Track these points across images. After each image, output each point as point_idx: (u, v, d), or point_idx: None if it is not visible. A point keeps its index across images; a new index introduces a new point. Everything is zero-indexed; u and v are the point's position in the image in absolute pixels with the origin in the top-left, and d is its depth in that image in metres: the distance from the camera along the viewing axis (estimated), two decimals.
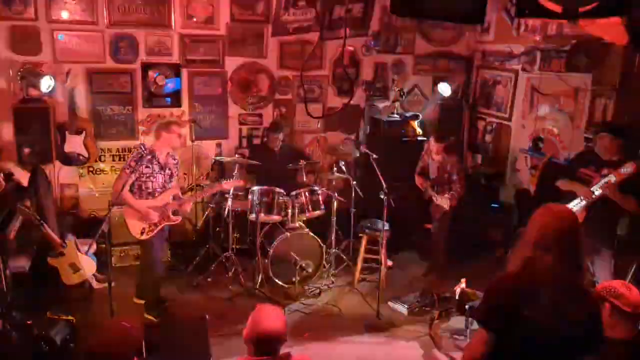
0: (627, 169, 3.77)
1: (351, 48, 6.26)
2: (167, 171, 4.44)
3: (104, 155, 5.69)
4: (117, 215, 5.26)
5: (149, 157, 4.31)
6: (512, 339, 2.04)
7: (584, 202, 4.00)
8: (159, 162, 4.36)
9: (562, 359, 2.10)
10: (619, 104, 4.88)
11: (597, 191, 3.92)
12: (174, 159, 4.55)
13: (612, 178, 3.84)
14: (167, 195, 4.44)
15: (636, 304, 2.47)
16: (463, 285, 4.38)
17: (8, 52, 5.13)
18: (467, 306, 4.17)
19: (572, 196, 4.11)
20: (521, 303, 2.04)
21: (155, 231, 4.38)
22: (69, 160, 5.40)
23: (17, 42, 5.14)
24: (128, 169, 4.25)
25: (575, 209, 3.99)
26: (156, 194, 4.38)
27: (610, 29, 3.57)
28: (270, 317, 2.29)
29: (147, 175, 4.31)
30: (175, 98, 5.78)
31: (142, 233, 4.34)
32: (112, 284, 4.01)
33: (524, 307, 2.03)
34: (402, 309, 4.76)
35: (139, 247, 4.71)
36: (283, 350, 2.32)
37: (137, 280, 4.72)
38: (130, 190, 4.28)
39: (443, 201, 5.01)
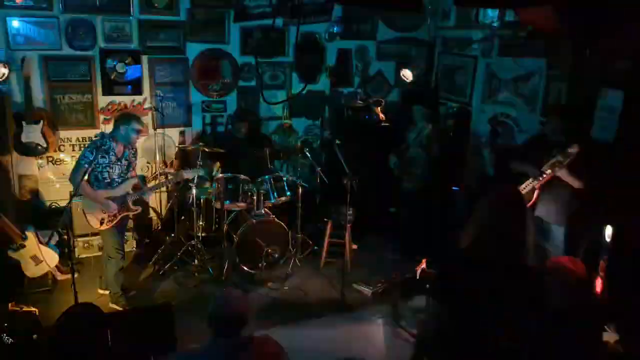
0: (573, 149, 3.95)
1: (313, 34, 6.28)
2: (124, 161, 4.39)
3: (64, 145, 5.58)
4: (79, 206, 5.20)
5: (105, 147, 4.25)
6: (461, 313, 2.16)
7: (535, 182, 4.18)
8: (115, 152, 4.32)
9: (509, 332, 2.23)
10: (572, 87, 5.06)
11: (547, 171, 4.09)
12: (132, 149, 4.50)
13: (559, 159, 4.01)
14: (127, 185, 4.40)
15: (580, 278, 2.64)
16: (424, 265, 4.51)
17: None
18: (427, 285, 4.30)
19: (525, 177, 4.28)
20: (470, 279, 2.15)
21: (115, 221, 4.35)
22: (26, 150, 5.27)
23: None
24: (83, 159, 4.18)
25: (527, 189, 4.17)
26: (114, 184, 4.34)
27: (542, 18, 3.67)
28: (231, 300, 2.34)
29: (104, 165, 4.25)
30: (136, 85, 5.69)
31: (101, 223, 4.31)
32: (76, 275, 3.98)
33: (472, 283, 2.14)
34: (366, 290, 4.88)
35: (102, 237, 4.66)
36: (248, 333, 2.37)
37: (101, 271, 4.69)
38: (88, 181, 4.22)
39: None
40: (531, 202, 4.16)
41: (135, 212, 4.52)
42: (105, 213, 4.28)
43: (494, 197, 2.22)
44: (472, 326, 2.15)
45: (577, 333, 2.51)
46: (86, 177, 4.11)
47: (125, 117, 4.39)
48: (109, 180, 4.31)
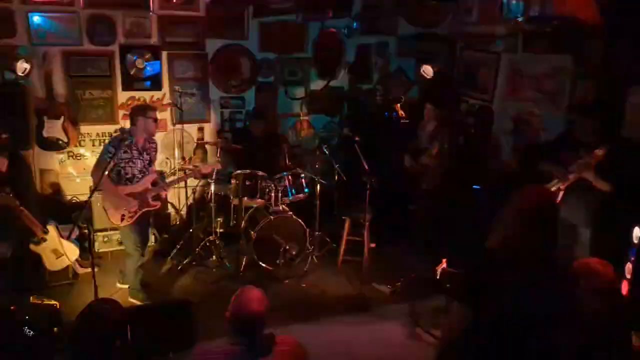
0: (600, 151, 3.84)
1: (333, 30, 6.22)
2: (146, 156, 4.40)
3: (84, 140, 5.61)
4: (99, 201, 5.23)
5: (127, 142, 4.25)
6: (489, 316, 2.10)
7: (561, 183, 4.07)
8: (137, 147, 4.31)
9: (538, 335, 2.16)
10: (599, 86, 4.92)
11: (573, 173, 3.99)
12: (153, 144, 4.50)
13: (587, 160, 3.90)
14: (146, 181, 4.40)
15: (610, 281, 2.55)
16: (444, 265, 4.44)
17: None
18: (447, 285, 4.23)
19: (551, 178, 4.18)
20: (499, 281, 2.09)
21: (135, 217, 4.35)
22: (48, 145, 5.31)
23: None
24: (105, 154, 4.19)
25: (552, 189, 4.07)
26: (135, 180, 4.34)
27: (583, 8, 3.56)
28: (251, 300, 2.31)
29: (126, 160, 4.26)
30: (155, 81, 5.70)
31: (122, 219, 4.31)
32: (96, 269, 3.99)
33: (501, 285, 2.07)
34: (385, 289, 4.83)
35: (120, 233, 4.68)
36: (267, 331, 2.35)
37: (120, 265, 4.71)
38: (110, 177, 4.23)
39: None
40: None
41: (154, 208, 4.52)
42: (125, 209, 4.29)
43: (526, 198, 2.15)
44: (502, 330, 2.09)
45: (608, 337, 2.44)
46: (107, 173, 4.12)
47: (140, 108, 4.42)
48: (130, 176, 4.31)
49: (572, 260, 3.77)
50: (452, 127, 5.51)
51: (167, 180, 5.04)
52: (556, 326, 2.19)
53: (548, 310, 2.11)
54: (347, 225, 5.25)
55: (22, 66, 4.86)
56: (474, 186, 6.10)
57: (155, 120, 4.41)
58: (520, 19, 5.64)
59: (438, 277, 4.41)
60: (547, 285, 2.10)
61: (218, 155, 5.10)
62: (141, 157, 4.35)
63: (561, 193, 4.07)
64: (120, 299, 4.27)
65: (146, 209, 4.43)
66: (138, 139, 4.33)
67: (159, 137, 5.10)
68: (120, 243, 5.19)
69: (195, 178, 5.19)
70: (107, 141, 5.07)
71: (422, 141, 5.45)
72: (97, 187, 4.08)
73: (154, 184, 4.49)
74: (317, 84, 6.32)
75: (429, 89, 6.56)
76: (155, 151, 4.56)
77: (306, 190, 5.23)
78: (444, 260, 4.50)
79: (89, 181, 5.45)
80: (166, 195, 4.62)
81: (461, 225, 5.82)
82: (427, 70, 6.15)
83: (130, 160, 4.28)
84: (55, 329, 3.80)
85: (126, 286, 4.60)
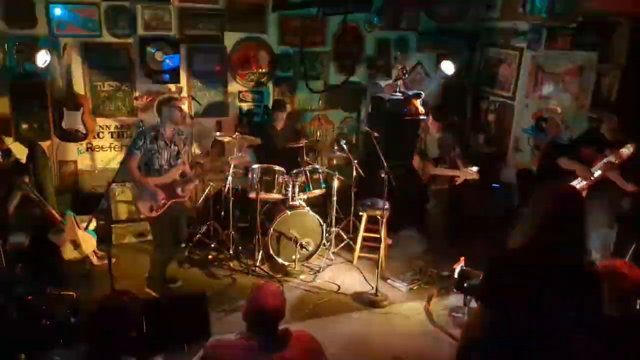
0: (627, 150, 3.73)
1: (353, 24, 6.16)
2: (173, 147, 4.40)
3: (102, 132, 5.64)
4: (117, 192, 5.26)
5: (153, 133, 4.28)
6: (511, 317, 2.04)
7: (584, 183, 3.97)
8: (163, 138, 4.33)
9: (561, 337, 2.10)
10: (624, 83, 4.80)
11: (597, 172, 3.89)
12: (182, 135, 4.51)
13: (611, 159, 3.80)
14: (174, 172, 4.41)
15: (636, 283, 2.47)
16: (462, 263, 4.38)
17: (2, 25, 5.04)
18: (465, 284, 4.17)
19: (574, 176, 4.08)
20: (522, 282, 2.02)
21: (164, 208, 4.36)
22: (67, 136, 5.35)
23: (11, 15, 5.04)
24: (134, 145, 4.25)
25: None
26: (163, 171, 4.35)
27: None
28: (268, 295, 2.28)
29: (153, 151, 4.28)
30: (173, 74, 5.69)
31: (151, 210, 4.33)
32: (113, 261, 4.01)
33: (525, 286, 2.01)
34: (401, 286, 4.77)
35: (149, 225, 4.68)
36: (282, 326, 2.32)
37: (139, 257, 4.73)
38: (139, 168, 4.27)
39: (469, 172, 4.96)
40: None
41: (183, 200, 4.52)
42: (154, 200, 4.30)
43: (550, 197, 2.08)
44: (525, 331, 2.03)
45: (633, 341, 2.36)
46: (137, 164, 4.19)
47: (165, 99, 4.50)
48: (157, 167, 4.33)
49: (595, 262, 3.71)
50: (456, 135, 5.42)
51: (194, 171, 4.99)
52: (581, 329, 2.12)
53: (573, 313, 2.04)
54: (364, 221, 5.20)
55: (42, 57, 4.89)
56: (494, 185, 6.02)
57: (180, 109, 4.43)
58: (544, 15, 5.53)
59: (456, 275, 4.38)
60: (572, 287, 2.03)
61: (236, 149, 5.07)
62: (168, 148, 4.36)
63: (584, 193, 3.97)
64: (137, 288, 4.29)
65: (175, 201, 4.43)
66: (165, 129, 4.34)
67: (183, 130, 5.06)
68: (138, 235, 5.25)
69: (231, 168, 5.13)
70: (126, 133, 5.09)
71: (429, 147, 5.36)
72: (116, 179, 4.09)
73: (182, 174, 4.49)
74: (337, 79, 6.25)
75: (447, 86, 6.50)
76: (184, 143, 4.55)
77: (323, 185, 5.19)
78: (462, 258, 4.45)
79: (107, 173, 5.50)
80: (193, 186, 4.65)
81: (480, 224, 5.75)
82: (447, 66, 6.06)
83: (157, 152, 4.30)
84: (72, 319, 3.82)
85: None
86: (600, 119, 4.33)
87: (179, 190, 4.42)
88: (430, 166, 5.22)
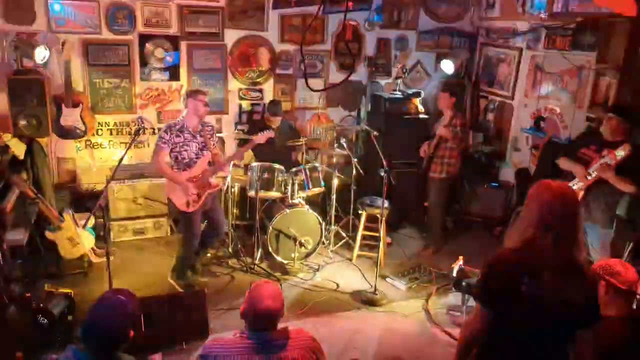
0: (622, 151, 3.73)
1: (354, 22, 6.15)
2: (200, 138, 4.37)
3: (102, 129, 5.62)
4: (116, 189, 5.25)
5: (178, 126, 4.27)
6: (509, 316, 2.04)
7: (581, 183, 3.98)
8: (189, 131, 4.32)
9: (558, 336, 2.10)
10: (623, 83, 4.80)
11: (594, 172, 3.89)
12: (208, 127, 4.49)
13: (607, 160, 3.80)
14: (202, 163, 4.39)
15: (631, 282, 2.48)
16: (461, 262, 4.39)
17: (1, 21, 5.01)
18: (463, 283, 4.18)
19: (571, 176, 4.08)
20: (519, 280, 2.02)
21: (200, 201, 4.35)
22: (65, 133, 5.33)
23: (10, 10, 5.01)
24: (160, 140, 4.24)
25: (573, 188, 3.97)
26: (193, 164, 4.34)
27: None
28: (267, 294, 2.27)
29: (180, 144, 4.27)
30: (173, 71, 5.68)
31: (187, 205, 4.32)
32: (111, 258, 4.00)
33: (522, 285, 2.01)
34: (400, 285, 4.78)
35: (181, 219, 4.65)
36: (281, 325, 2.32)
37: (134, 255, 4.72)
38: (168, 164, 4.28)
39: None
40: None
41: (216, 189, 4.51)
42: (188, 195, 4.29)
43: (545, 194, 2.07)
44: (523, 331, 2.03)
45: (630, 342, 2.36)
46: (167, 160, 4.20)
47: (192, 92, 4.43)
48: (187, 160, 4.32)
49: (592, 261, 3.72)
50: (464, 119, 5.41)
51: (225, 158, 4.96)
52: (579, 328, 2.13)
53: (569, 312, 2.04)
54: (363, 219, 5.20)
55: (41, 53, 4.86)
56: (492, 183, 6.03)
57: (206, 104, 4.38)
58: (543, 15, 5.53)
59: (454, 275, 4.39)
60: (569, 287, 2.03)
61: (237, 147, 5.06)
62: (195, 140, 4.34)
63: (581, 193, 3.97)
64: (152, 282, 4.28)
65: (208, 191, 4.40)
66: (190, 122, 4.32)
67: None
68: (136, 232, 5.24)
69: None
70: (125, 130, 5.03)
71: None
72: (161, 175, 4.10)
73: (210, 163, 4.47)
74: (337, 77, 6.25)
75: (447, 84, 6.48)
76: (211, 135, 4.50)
77: (323, 184, 5.19)
78: (461, 257, 4.47)
79: (106, 170, 5.50)
80: (227, 172, 4.78)
81: (478, 223, 5.77)
82: (447, 65, 6.06)
83: (184, 144, 4.29)
84: (70, 317, 3.82)
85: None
86: (598, 120, 4.32)
87: (210, 179, 4.40)
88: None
